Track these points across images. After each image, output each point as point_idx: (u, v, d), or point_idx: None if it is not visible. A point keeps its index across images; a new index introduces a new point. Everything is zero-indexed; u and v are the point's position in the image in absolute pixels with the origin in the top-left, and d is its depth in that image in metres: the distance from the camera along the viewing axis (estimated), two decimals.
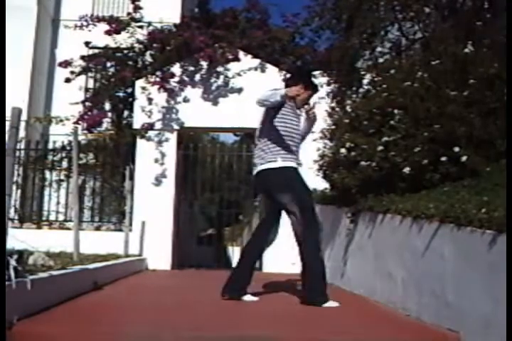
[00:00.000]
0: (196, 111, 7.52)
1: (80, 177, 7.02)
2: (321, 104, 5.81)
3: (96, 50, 8.45)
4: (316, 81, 4.51)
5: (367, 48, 5.95)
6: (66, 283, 3.49)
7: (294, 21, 7.75)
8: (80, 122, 7.36)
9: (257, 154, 3.80)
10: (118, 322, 2.85)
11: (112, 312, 3.21)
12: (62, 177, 8.19)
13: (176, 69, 7.59)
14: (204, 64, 7.62)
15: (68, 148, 7.90)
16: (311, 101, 3.95)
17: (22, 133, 7.59)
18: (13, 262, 2.62)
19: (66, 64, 7.88)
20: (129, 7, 8.29)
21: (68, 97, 8.11)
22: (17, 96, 8.83)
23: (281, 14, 8.02)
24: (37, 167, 8.21)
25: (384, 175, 4.14)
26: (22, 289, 2.63)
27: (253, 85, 7.04)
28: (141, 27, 7.88)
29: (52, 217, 8.02)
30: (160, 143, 7.54)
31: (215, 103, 7.63)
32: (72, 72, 7.87)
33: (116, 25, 7.78)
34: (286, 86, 3.83)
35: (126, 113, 8.23)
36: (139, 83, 7.53)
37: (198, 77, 7.67)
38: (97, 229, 7.80)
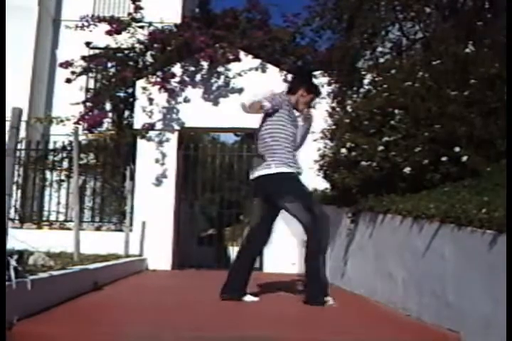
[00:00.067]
0: (197, 111, 7.52)
1: (80, 177, 7.00)
2: (322, 104, 5.82)
3: (97, 51, 8.46)
4: (316, 81, 4.51)
5: (368, 48, 5.96)
6: (66, 283, 3.49)
7: (295, 21, 7.75)
8: (80, 122, 7.36)
9: (256, 158, 3.79)
10: (118, 323, 2.84)
11: (112, 312, 3.21)
12: (62, 177, 8.18)
13: (177, 69, 7.58)
14: (205, 64, 7.62)
15: (69, 148, 7.89)
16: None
17: (22, 134, 7.62)
18: (13, 262, 2.62)
19: (67, 64, 7.88)
20: (129, 7, 8.29)
21: (69, 97, 8.10)
22: (17, 96, 8.84)
23: (282, 14, 8.01)
24: (37, 167, 8.20)
25: (384, 175, 4.14)
26: (22, 289, 2.62)
27: (254, 85, 7.01)
28: (141, 27, 7.88)
29: (52, 217, 8.02)
30: (160, 143, 7.54)
31: (216, 103, 7.63)
32: (72, 73, 7.86)
33: (117, 26, 7.78)
34: (289, 89, 3.84)
35: (126, 113, 8.22)
36: (140, 83, 7.53)
37: (198, 77, 7.67)
38: (98, 229, 7.79)
